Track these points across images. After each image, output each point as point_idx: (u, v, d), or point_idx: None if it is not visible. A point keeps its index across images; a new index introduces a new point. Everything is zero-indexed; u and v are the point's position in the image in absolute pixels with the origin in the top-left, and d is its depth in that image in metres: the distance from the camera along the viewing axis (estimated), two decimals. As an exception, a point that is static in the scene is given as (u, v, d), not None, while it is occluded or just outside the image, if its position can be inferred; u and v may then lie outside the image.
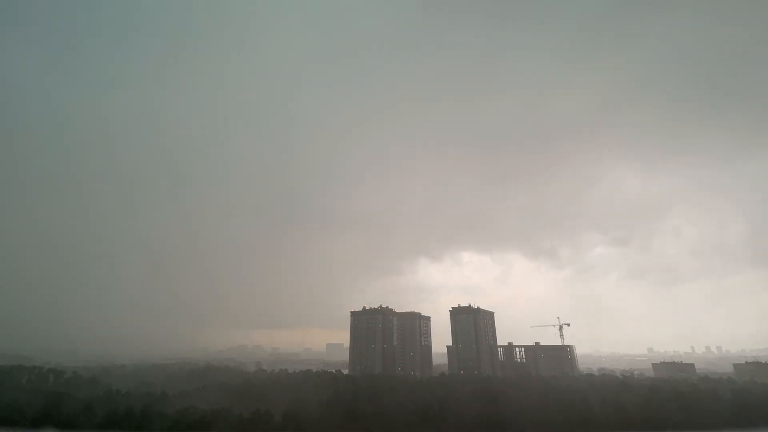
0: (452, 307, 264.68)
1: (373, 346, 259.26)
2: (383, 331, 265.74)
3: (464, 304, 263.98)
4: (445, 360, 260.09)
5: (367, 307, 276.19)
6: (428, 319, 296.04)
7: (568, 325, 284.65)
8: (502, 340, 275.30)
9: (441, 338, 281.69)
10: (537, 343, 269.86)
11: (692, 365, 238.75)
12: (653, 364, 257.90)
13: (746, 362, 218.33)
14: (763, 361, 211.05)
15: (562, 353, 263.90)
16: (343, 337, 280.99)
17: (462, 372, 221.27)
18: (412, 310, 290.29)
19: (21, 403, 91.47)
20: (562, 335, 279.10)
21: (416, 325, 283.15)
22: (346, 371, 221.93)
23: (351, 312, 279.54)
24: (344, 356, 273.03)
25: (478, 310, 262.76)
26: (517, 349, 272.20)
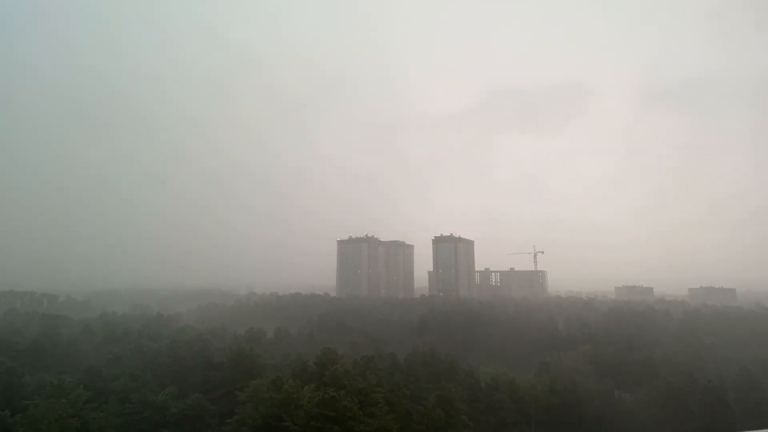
0: (435, 236, 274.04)
1: (359, 271, 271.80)
2: (368, 258, 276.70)
3: (446, 233, 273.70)
4: (426, 284, 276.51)
5: (353, 236, 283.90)
6: (411, 247, 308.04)
7: (543, 252, 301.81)
8: (480, 266, 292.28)
9: (423, 264, 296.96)
10: (512, 269, 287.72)
11: (651, 289, 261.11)
12: (615, 288, 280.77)
13: (700, 287, 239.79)
14: (716, 287, 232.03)
15: (535, 278, 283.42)
16: (330, 262, 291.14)
17: (441, 294, 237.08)
18: (397, 239, 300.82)
19: (18, 326, 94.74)
20: (536, 262, 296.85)
21: (400, 253, 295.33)
22: (333, 294, 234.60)
23: (338, 240, 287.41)
24: (332, 280, 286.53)
25: (459, 238, 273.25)
26: (493, 274, 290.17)
